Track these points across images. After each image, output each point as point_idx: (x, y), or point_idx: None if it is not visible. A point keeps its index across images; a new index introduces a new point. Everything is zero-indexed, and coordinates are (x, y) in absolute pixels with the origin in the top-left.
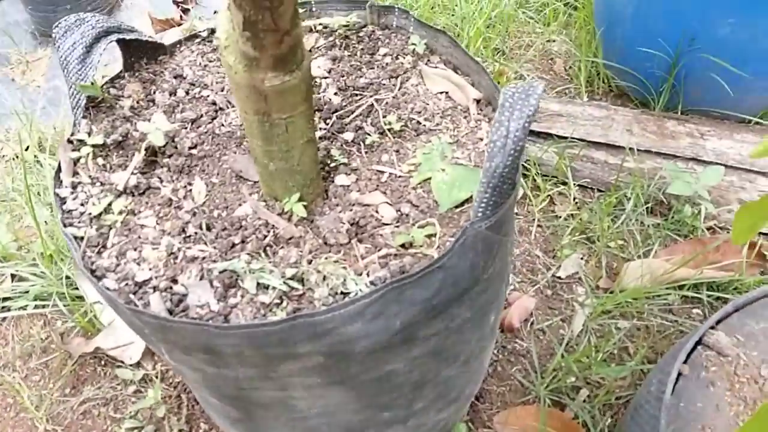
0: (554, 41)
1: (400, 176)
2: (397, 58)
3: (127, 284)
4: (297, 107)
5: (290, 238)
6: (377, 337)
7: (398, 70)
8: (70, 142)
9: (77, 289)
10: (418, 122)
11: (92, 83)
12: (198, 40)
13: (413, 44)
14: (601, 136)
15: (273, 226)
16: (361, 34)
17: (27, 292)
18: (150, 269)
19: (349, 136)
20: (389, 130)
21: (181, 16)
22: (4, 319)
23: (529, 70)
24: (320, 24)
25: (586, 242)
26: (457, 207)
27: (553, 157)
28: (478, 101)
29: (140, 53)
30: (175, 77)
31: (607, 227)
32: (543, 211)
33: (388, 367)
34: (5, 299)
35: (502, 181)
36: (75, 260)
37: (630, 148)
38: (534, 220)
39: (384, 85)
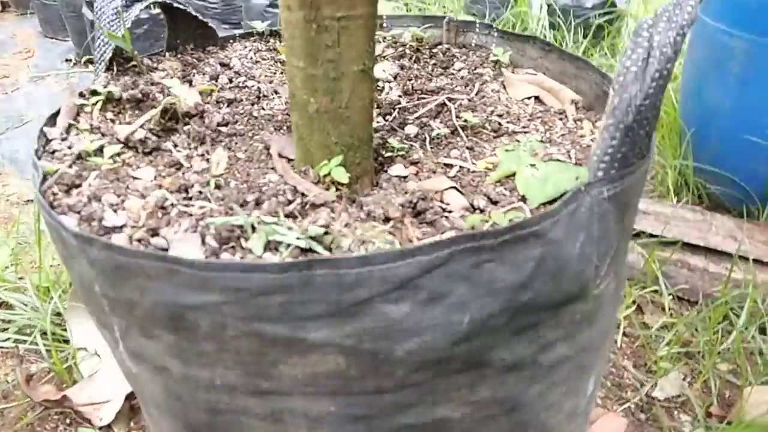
0: None
1: (473, 171)
2: (474, 70)
3: (90, 226)
4: (356, 5)
5: (322, 204)
6: (432, 337)
7: (475, 80)
8: (81, 94)
9: (65, 330)
10: (499, 123)
11: (122, 36)
12: (254, 38)
13: (495, 56)
14: (699, 239)
15: (302, 193)
16: (434, 49)
17: (10, 322)
18: (128, 217)
19: (412, 130)
20: (462, 127)
21: None
22: None
23: None
24: (390, 36)
25: (686, 359)
26: (551, 203)
27: (640, 258)
28: (576, 103)
29: (188, 36)
30: (220, 65)
31: (713, 346)
32: (629, 319)
33: (439, 411)
34: None
35: (638, 123)
36: (34, 194)
37: (739, 256)
38: (619, 327)
39: (458, 90)
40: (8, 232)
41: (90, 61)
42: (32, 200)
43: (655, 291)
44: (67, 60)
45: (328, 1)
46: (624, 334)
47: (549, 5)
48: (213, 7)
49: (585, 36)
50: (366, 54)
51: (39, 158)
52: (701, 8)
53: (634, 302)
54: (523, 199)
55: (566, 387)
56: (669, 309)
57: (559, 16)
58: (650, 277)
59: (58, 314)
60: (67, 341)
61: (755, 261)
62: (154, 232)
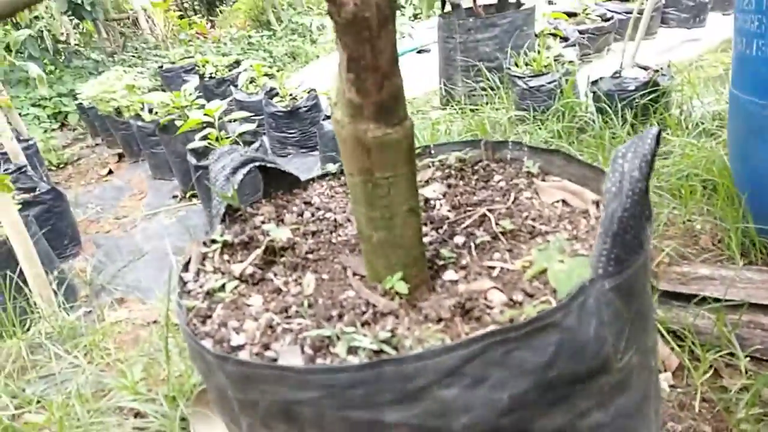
0: (696, 219)
1: (512, 270)
2: (511, 181)
3: (221, 347)
4: (398, 167)
5: (389, 313)
6: (481, 413)
7: (512, 190)
8: (204, 243)
9: None
10: (533, 226)
11: (232, 196)
12: (328, 177)
13: (527, 167)
14: (766, 299)
15: (373, 305)
16: (476, 167)
17: (144, 429)
18: (246, 337)
19: (459, 240)
20: (502, 233)
21: None
22: None
23: (673, 248)
24: (438, 161)
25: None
26: None
27: (709, 323)
28: (597, 203)
29: (278, 184)
30: (304, 203)
31: None
32: (707, 384)
33: None
34: None
35: (623, 230)
36: (180, 327)
37: None
38: (697, 392)
39: (497, 200)
40: (138, 351)
41: (194, 196)
42: (155, 322)
43: (731, 354)
44: (174, 196)
45: (378, 168)
46: (703, 399)
47: (594, 92)
48: (292, 136)
49: (633, 116)
50: (411, 197)
51: (180, 298)
52: (732, 82)
53: (711, 367)
54: (555, 291)
55: None
56: (747, 371)
57: (604, 101)
58: (724, 341)
59: (183, 419)
60: None
61: None
62: (266, 347)
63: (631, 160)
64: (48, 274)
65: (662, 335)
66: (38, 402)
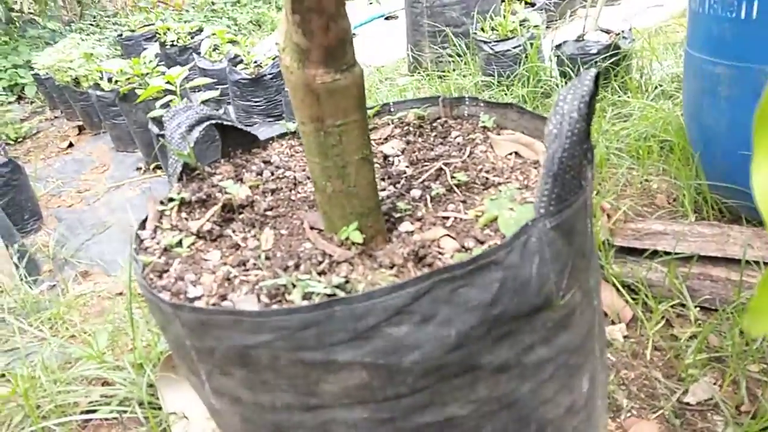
0: (653, 179)
1: (465, 219)
2: (467, 136)
3: (179, 298)
4: (350, 114)
5: (344, 261)
6: (429, 349)
7: (468, 144)
8: (161, 202)
9: (158, 399)
10: (487, 178)
11: (188, 153)
12: (288, 136)
13: (483, 122)
14: (717, 251)
15: (329, 254)
16: (434, 123)
17: (112, 396)
18: (203, 289)
19: (416, 193)
20: (456, 185)
21: None
22: (85, 427)
23: (630, 207)
24: (397, 118)
25: (716, 363)
26: None
27: (662, 276)
28: None
29: (237, 144)
30: (263, 162)
31: (741, 348)
32: (660, 333)
33: (448, 409)
34: (91, 403)
35: (563, 170)
36: (136, 281)
37: (755, 262)
38: (648, 341)
39: (453, 155)
40: (104, 321)
41: (158, 168)
42: (121, 294)
43: (682, 305)
44: (138, 169)
45: (329, 115)
46: (655, 348)
47: (558, 56)
48: (257, 105)
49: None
50: (363, 146)
51: (137, 254)
52: (687, 42)
53: (663, 317)
54: (504, 237)
55: (557, 385)
56: (696, 320)
57: (567, 66)
58: (675, 293)
59: (151, 385)
60: (160, 408)
61: None
62: (223, 297)
63: (571, 102)
64: (8, 248)
65: (617, 289)
66: (2, 376)
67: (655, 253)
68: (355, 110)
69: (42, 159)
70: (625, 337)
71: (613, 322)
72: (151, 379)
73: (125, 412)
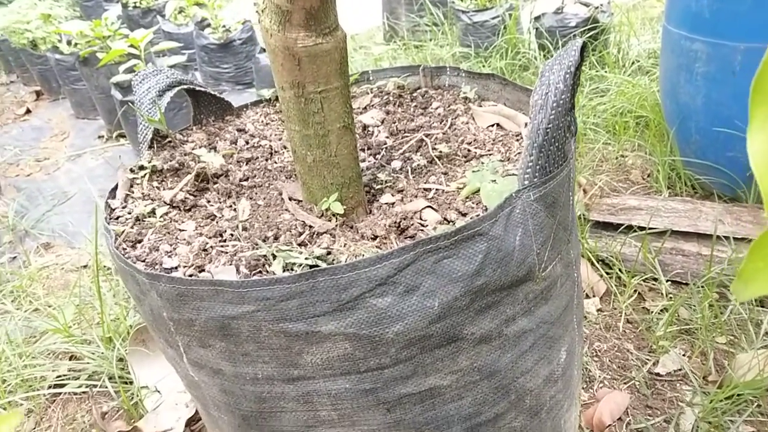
0: (628, 154)
1: (447, 191)
2: (449, 107)
3: (154, 269)
4: (331, 80)
5: (325, 232)
6: (412, 320)
7: (449, 115)
8: (131, 170)
9: (129, 373)
10: (468, 150)
11: (159, 120)
12: (263, 104)
13: (464, 93)
14: (689, 226)
15: (309, 225)
16: (414, 94)
17: (81, 371)
18: (179, 260)
19: (397, 164)
20: (438, 157)
21: None
22: (54, 401)
23: (606, 182)
24: (376, 87)
25: (685, 336)
26: None
27: (636, 250)
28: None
29: (209, 111)
30: (237, 130)
31: (710, 321)
32: (632, 307)
33: (430, 380)
34: (59, 377)
35: (548, 141)
36: (109, 251)
37: (725, 237)
38: (621, 314)
39: (434, 126)
40: (69, 295)
41: (121, 136)
42: (86, 266)
43: (655, 279)
44: (99, 137)
45: (310, 81)
46: (627, 321)
47: (536, 29)
48: (226, 71)
49: None
50: (345, 114)
51: (108, 223)
52: (666, 17)
53: (635, 291)
54: (486, 209)
55: (537, 355)
56: (668, 294)
57: (546, 38)
58: (648, 267)
59: (121, 360)
60: (131, 382)
61: (743, 239)
62: (201, 269)
63: (557, 72)
64: None
65: (592, 263)
66: None
67: (629, 228)
68: (338, 76)
69: None
70: (598, 310)
71: (587, 296)
72: (121, 353)
73: (95, 386)
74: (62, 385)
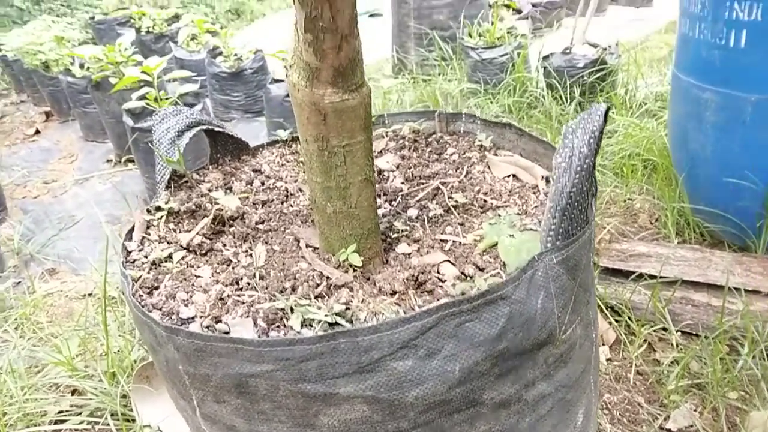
0: (636, 198)
1: (464, 244)
2: (464, 154)
3: (171, 319)
4: (355, 135)
5: (343, 285)
6: (433, 384)
7: (465, 163)
8: (148, 210)
9: (131, 410)
10: (485, 200)
11: (177, 160)
12: (279, 144)
13: (479, 141)
14: (699, 276)
15: (327, 277)
16: (429, 138)
17: (83, 407)
18: (196, 309)
19: (413, 212)
20: (454, 206)
21: None
22: None
23: (614, 226)
24: (392, 131)
25: (696, 390)
26: None
27: (645, 299)
28: (546, 179)
29: (226, 150)
30: (253, 171)
31: (721, 376)
32: (642, 357)
33: None
34: (61, 412)
35: (571, 205)
36: (126, 298)
37: (735, 289)
38: (632, 365)
39: (450, 174)
40: (74, 326)
41: (130, 161)
42: (90, 294)
43: (664, 329)
44: (108, 161)
45: (335, 135)
46: (637, 372)
47: (545, 68)
48: (237, 100)
49: (581, 93)
50: (366, 167)
51: (125, 267)
52: (675, 63)
53: (645, 341)
54: (504, 264)
55: (555, 419)
56: (678, 345)
57: (554, 77)
58: (658, 316)
59: (125, 396)
60: (134, 420)
61: (754, 292)
62: (218, 320)
63: (581, 136)
64: None
65: (601, 310)
66: None
67: (639, 275)
68: (362, 131)
69: (6, 146)
70: (608, 359)
71: None
72: (124, 390)
73: (97, 423)
74: (63, 421)
